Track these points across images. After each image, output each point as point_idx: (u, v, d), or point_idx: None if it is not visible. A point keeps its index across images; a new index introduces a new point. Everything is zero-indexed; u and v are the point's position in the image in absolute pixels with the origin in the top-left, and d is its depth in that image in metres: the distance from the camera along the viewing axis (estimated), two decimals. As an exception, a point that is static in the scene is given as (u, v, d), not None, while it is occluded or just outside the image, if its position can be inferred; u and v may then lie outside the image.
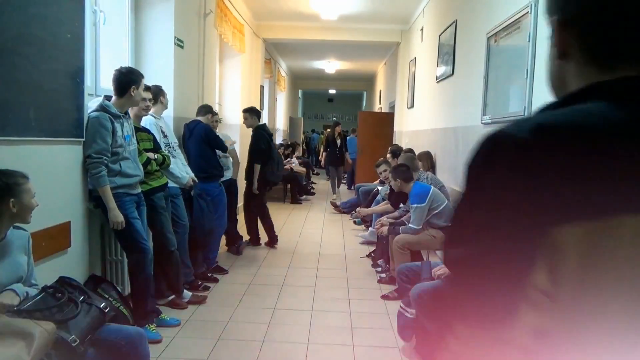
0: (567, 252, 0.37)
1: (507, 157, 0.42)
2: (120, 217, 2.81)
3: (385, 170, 5.06)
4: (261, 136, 5.19)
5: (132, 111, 3.26)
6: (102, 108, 2.84)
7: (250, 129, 5.28)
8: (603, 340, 0.36)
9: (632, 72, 0.44)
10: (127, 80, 2.92)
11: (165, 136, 3.68)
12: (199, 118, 4.33)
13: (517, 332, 0.39)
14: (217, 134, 4.53)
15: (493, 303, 0.39)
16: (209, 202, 4.17)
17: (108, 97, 2.94)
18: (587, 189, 0.37)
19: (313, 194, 9.92)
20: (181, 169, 3.75)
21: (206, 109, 4.38)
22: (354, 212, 7.52)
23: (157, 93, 3.61)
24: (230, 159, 4.98)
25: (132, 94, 2.91)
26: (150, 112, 3.55)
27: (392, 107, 9.98)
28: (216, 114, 4.86)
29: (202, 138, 4.19)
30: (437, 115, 5.79)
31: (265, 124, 5.40)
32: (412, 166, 4.27)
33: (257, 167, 5.09)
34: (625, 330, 0.35)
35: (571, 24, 0.47)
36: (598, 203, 0.37)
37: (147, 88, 3.28)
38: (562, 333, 0.39)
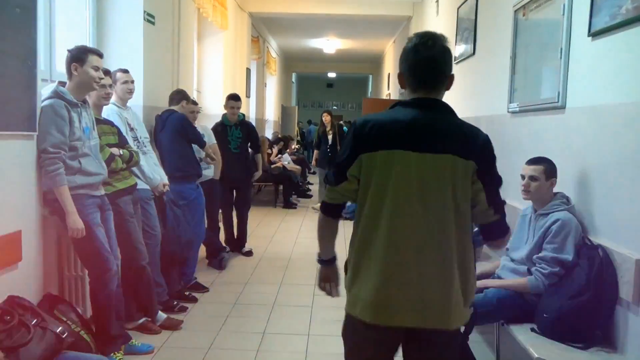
0: (364, 163, 1.60)
1: (354, 129, 1.63)
2: (80, 224, 2.80)
3: None
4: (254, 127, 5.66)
5: (90, 100, 3.26)
6: (55, 94, 2.82)
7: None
8: (370, 197, 1.62)
9: (422, 94, 1.62)
10: (69, 57, 2.90)
11: (132, 129, 3.66)
12: (173, 107, 4.33)
13: (348, 189, 1.69)
14: (196, 126, 4.53)
15: (338, 177, 1.66)
16: (185, 207, 4.15)
17: (63, 83, 2.94)
18: (370, 142, 1.56)
19: (310, 196, 9.93)
20: (152, 169, 3.75)
21: (181, 95, 4.38)
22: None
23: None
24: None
25: (75, 72, 2.88)
26: (112, 100, 3.53)
27: (403, 94, 9.97)
28: (195, 102, 4.85)
29: (176, 129, 4.19)
30: (455, 103, 5.72)
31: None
32: None
33: (259, 157, 5.67)
34: (379, 197, 1.60)
35: (403, 74, 1.65)
36: (372, 147, 1.57)
37: (107, 72, 3.27)
38: (363, 194, 1.64)
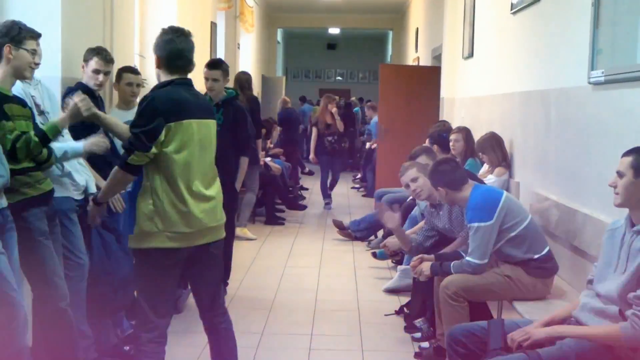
0: (172, 130, 3.08)
1: (157, 104, 3.12)
2: None
3: (416, 179, 4.54)
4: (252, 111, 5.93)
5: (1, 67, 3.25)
6: None
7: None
8: (179, 156, 3.15)
9: (180, 75, 3.25)
10: None
11: (41, 112, 3.66)
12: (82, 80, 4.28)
13: (153, 152, 3.10)
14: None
15: (150, 144, 3.07)
16: (117, 229, 4.16)
17: None
18: (176, 114, 3.11)
19: (304, 207, 9.91)
20: (76, 170, 3.74)
21: (94, 52, 4.27)
22: (373, 238, 7.54)
23: None
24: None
25: None
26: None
27: (438, 58, 9.98)
28: (135, 70, 4.83)
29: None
30: (513, 71, 5.82)
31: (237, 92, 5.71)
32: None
33: (244, 162, 5.62)
34: (184, 155, 3.15)
35: (160, 58, 3.25)
36: (178, 117, 3.09)
37: (34, 35, 3.28)
38: (169, 154, 3.11)
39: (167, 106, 3.08)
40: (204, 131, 3.23)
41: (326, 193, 10.06)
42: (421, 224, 5.18)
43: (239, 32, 11.69)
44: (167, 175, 3.10)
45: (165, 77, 3.23)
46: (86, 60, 4.26)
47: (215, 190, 3.31)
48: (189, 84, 3.29)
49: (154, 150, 3.05)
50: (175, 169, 3.10)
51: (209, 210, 3.23)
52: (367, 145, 12.96)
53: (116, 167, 3.15)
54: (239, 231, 7.88)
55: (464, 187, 3.94)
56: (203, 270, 3.34)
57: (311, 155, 10.14)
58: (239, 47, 11.78)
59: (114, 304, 4.15)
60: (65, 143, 3.63)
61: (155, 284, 3.17)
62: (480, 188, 3.97)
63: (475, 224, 3.78)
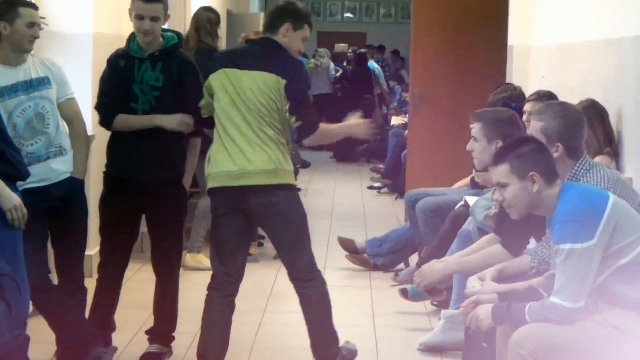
0: (209, 81, 5.43)
1: (217, 59, 6.02)
2: None
3: None
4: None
5: None
6: None
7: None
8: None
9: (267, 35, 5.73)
10: None
11: None
12: None
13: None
14: (39, 62, 4.49)
15: None
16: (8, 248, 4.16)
17: None
18: (209, 69, 5.53)
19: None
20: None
21: None
22: (403, 266, 7.57)
23: None
24: (63, 126, 5.06)
25: None
26: None
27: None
28: (32, 4, 4.85)
29: None
30: (621, 4, 5.86)
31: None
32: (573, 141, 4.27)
33: (196, 143, 5.74)
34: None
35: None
36: (212, 69, 5.36)
37: None
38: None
39: (208, 64, 5.29)
40: (235, 79, 5.03)
41: None
42: (480, 242, 5.12)
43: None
44: (216, 123, 5.08)
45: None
46: None
47: (259, 136, 5.01)
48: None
49: (203, 102, 5.17)
50: (217, 116, 5.06)
51: (244, 156, 4.95)
52: (393, 121, 13.03)
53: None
54: (189, 258, 7.81)
55: (554, 184, 3.91)
56: (268, 229, 5.35)
57: None
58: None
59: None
60: None
61: (214, 234, 5.23)
62: (574, 187, 3.92)
63: (568, 245, 3.73)
